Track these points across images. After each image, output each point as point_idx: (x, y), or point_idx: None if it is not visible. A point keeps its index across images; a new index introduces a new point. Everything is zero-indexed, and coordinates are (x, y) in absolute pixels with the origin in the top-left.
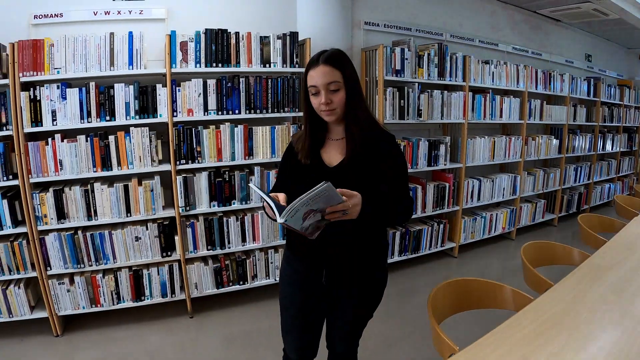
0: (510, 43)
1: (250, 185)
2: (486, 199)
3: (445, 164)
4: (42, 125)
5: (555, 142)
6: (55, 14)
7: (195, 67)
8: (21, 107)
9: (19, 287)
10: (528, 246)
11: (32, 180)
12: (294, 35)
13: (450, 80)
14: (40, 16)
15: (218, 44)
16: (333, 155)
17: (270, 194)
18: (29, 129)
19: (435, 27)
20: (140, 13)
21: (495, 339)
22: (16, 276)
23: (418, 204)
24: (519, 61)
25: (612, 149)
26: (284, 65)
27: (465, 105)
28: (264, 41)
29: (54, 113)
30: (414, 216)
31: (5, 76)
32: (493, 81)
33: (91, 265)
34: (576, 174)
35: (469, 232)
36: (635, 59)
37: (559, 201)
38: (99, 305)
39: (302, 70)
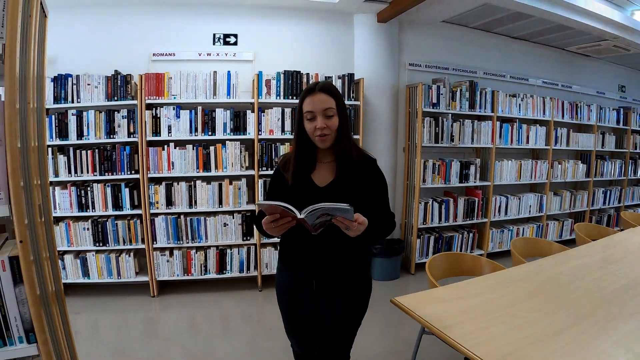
0: (539, 77)
1: (260, 202)
2: (513, 214)
3: (475, 182)
4: (160, 136)
5: (582, 166)
6: (169, 53)
7: (276, 98)
8: (145, 121)
9: (129, 256)
10: (517, 240)
11: (149, 176)
12: (351, 75)
13: (480, 111)
14: (158, 54)
15: (293, 82)
16: (323, 176)
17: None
18: (150, 137)
19: (470, 65)
20: (233, 55)
21: (465, 284)
22: (128, 247)
23: (450, 215)
24: (549, 94)
25: None
26: (343, 98)
27: (494, 132)
28: (328, 80)
29: (169, 127)
30: (446, 224)
31: (134, 98)
32: (520, 112)
33: (188, 243)
34: (605, 197)
35: (497, 242)
36: None
37: (587, 221)
38: (189, 274)
39: (358, 103)
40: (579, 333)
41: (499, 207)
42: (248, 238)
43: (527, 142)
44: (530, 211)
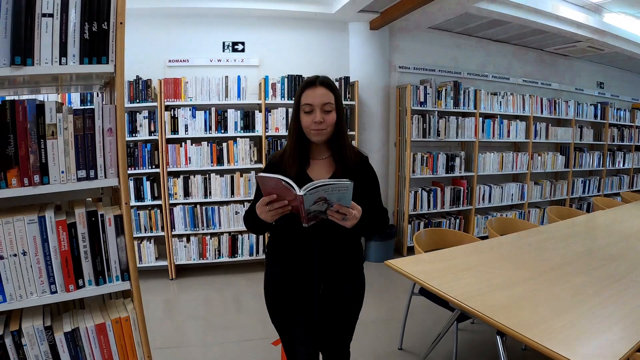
0: (520, 76)
1: (260, 174)
2: (496, 201)
3: (460, 172)
4: (178, 134)
5: (561, 158)
6: (183, 60)
7: (281, 99)
8: (164, 121)
9: (149, 242)
10: (494, 219)
11: (168, 170)
12: (347, 78)
13: (464, 109)
14: (173, 60)
15: (295, 84)
16: (319, 172)
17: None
18: (169, 135)
19: (455, 67)
20: (241, 61)
21: (445, 251)
22: (149, 234)
23: (437, 202)
24: (529, 91)
25: (623, 166)
26: None
27: (477, 127)
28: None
29: (186, 126)
30: (434, 210)
31: (154, 100)
32: (501, 108)
33: (203, 229)
34: (584, 186)
35: (482, 227)
36: None
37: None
38: (205, 258)
39: (354, 103)
40: (536, 283)
41: (483, 195)
42: None
43: (509, 135)
44: (512, 199)
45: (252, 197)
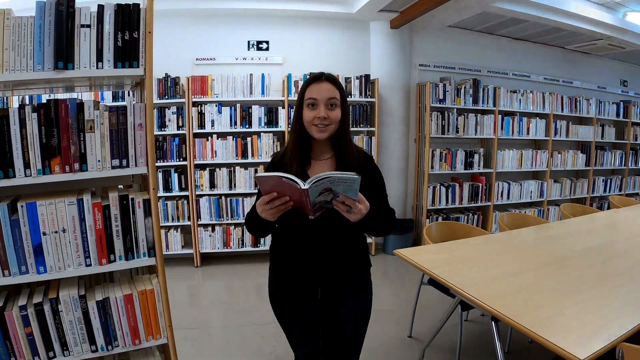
0: (541, 74)
1: (259, 174)
2: (515, 198)
3: (479, 169)
4: (204, 129)
5: (582, 156)
6: (210, 58)
7: None
8: (192, 116)
9: (176, 231)
10: (505, 214)
11: (195, 162)
12: (367, 76)
13: (482, 106)
14: (200, 59)
15: None
16: (320, 172)
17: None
18: (196, 130)
19: (475, 64)
20: (265, 59)
21: (452, 243)
22: (176, 223)
23: (456, 198)
24: (550, 89)
25: None
26: (360, 96)
27: (495, 124)
28: (347, 80)
29: (212, 122)
30: (452, 206)
31: (182, 97)
32: (520, 106)
33: (228, 219)
34: (605, 185)
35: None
36: None
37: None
38: (229, 247)
39: (374, 100)
40: (535, 275)
41: (502, 192)
42: None
43: (528, 133)
44: (531, 196)
45: None
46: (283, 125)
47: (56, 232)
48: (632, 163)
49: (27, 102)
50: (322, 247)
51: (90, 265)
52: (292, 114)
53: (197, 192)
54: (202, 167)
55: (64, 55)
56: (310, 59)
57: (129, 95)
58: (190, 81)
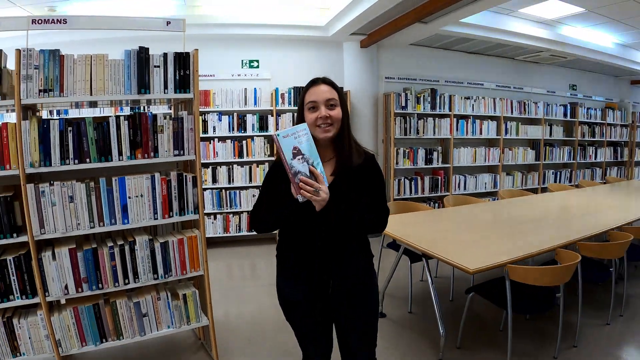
0: (493, 82)
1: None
2: (471, 189)
3: (438, 164)
4: (207, 134)
5: (531, 152)
6: (210, 75)
7: (288, 106)
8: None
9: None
10: (451, 196)
11: (201, 161)
12: (341, 88)
13: (440, 111)
14: (202, 76)
15: (300, 94)
16: (326, 173)
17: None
18: (201, 135)
19: (433, 75)
20: (257, 75)
21: (404, 215)
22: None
23: (418, 189)
24: (502, 95)
25: (595, 159)
26: None
27: (452, 127)
28: None
29: (214, 128)
30: (416, 196)
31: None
32: (473, 110)
33: (227, 209)
34: (555, 177)
35: None
36: (627, 84)
37: None
38: (228, 232)
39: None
40: (460, 231)
41: (459, 183)
42: None
43: (481, 133)
44: (485, 187)
45: None
46: (272, 130)
47: (137, 196)
48: (580, 157)
49: (56, 115)
50: (319, 246)
51: (157, 219)
52: (296, 119)
53: (202, 186)
54: (205, 165)
55: (144, 85)
56: (294, 74)
57: (182, 110)
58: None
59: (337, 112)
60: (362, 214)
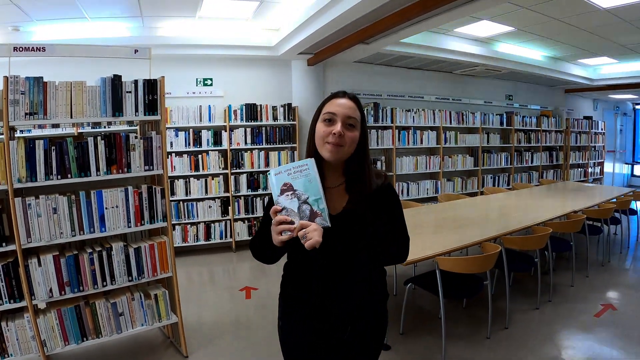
0: (433, 95)
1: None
2: (414, 195)
3: None
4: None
5: (470, 159)
6: (167, 92)
7: (241, 122)
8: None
9: None
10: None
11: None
12: (289, 104)
13: (382, 123)
14: None
15: (251, 110)
16: (333, 202)
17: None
18: None
19: (376, 90)
20: (210, 93)
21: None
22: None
23: None
24: (440, 107)
25: (531, 164)
26: (285, 120)
27: (394, 137)
28: (274, 108)
29: (171, 143)
30: None
31: None
32: (414, 122)
33: (185, 220)
34: (494, 181)
35: None
36: (561, 93)
37: None
38: (187, 242)
39: (294, 122)
40: (414, 233)
41: (402, 190)
42: (225, 215)
43: (422, 142)
44: (427, 193)
45: (220, 195)
46: (226, 144)
47: (113, 207)
48: (517, 162)
49: (19, 133)
50: (316, 285)
51: (130, 227)
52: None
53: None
54: None
55: (118, 108)
56: (246, 92)
57: (150, 130)
58: None
59: (353, 135)
60: (375, 248)
